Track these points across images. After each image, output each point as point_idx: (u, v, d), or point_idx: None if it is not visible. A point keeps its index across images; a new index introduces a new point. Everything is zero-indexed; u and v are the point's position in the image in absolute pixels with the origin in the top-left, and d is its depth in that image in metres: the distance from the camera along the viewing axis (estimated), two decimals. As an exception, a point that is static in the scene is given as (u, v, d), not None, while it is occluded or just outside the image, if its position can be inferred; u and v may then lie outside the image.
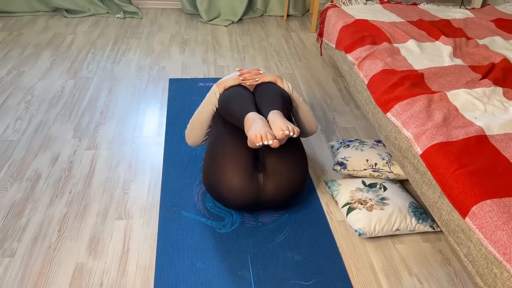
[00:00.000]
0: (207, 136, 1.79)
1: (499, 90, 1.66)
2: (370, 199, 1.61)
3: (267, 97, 1.63)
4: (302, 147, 1.64)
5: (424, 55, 1.94)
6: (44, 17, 3.39)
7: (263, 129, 1.40)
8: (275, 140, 1.39)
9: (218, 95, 1.68)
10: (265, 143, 1.38)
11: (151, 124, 2.15)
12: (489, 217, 1.09)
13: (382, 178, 1.75)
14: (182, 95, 2.40)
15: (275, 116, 1.47)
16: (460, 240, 1.20)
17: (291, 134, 1.41)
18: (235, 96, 1.63)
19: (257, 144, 1.39)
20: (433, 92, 1.62)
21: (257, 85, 1.73)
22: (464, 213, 1.17)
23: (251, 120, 1.48)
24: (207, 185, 1.57)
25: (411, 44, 2.02)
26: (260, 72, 1.74)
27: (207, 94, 1.72)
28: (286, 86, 1.73)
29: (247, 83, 1.73)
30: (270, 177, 1.52)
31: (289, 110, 1.63)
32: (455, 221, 1.21)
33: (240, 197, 1.51)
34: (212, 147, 1.59)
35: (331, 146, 1.99)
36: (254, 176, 1.51)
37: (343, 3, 2.57)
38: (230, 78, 1.72)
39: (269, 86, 1.69)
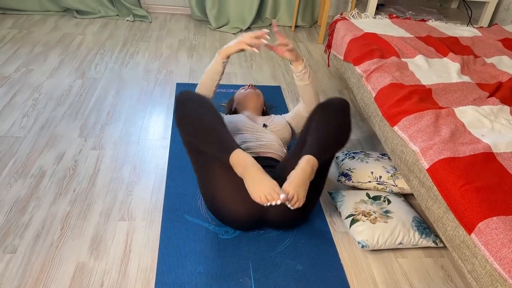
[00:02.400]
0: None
1: (507, 108, 1.66)
2: (374, 212, 1.61)
3: (322, 133, 1.46)
4: (323, 177, 1.55)
5: (432, 70, 1.95)
6: (54, 17, 3.41)
7: (266, 189, 1.31)
8: (282, 197, 1.30)
9: (221, 64, 1.64)
10: (273, 203, 1.31)
11: (157, 127, 2.16)
12: (495, 234, 1.09)
13: (386, 191, 1.75)
14: (189, 100, 2.40)
15: (299, 171, 1.35)
16: (464, 256, 1.20)
17: (289, 206, 1.33)
18: (202, 124, 1.43)
19: (264, 205, 1.33)
20: (441, 108, 1.63)
21: (323, 110, 1.53)
22: (470, 229, 1.17)
23: (243, 168, 1.35)
24: (210, 210, 1.56)
25: (419, 59, 2.03)
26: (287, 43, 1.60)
27: (211, 63, 1.68)
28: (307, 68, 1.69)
29: (248, 48, 1.58)
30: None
31: (331, 156, 1.51)
32: (460, 237, 1.21)
33: (243, 222, 1.50)
34: (205, 177, 1.50)
35: (336, 157, 1.99)
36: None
37: (352, 16, 2.59)
38: (232, 45, 1.61)
39: (336, 120, 1.49)
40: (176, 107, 1.49)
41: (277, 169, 1.54)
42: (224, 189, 1.45)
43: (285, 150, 1.75)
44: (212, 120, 1.44)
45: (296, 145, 1.57)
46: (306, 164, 1.38)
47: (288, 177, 1.37)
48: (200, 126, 1.42)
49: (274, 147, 1.70)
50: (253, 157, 1.62)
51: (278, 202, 1.30)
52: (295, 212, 1.49)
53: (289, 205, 1.34)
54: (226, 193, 1.45)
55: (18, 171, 1.78)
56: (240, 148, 1.41)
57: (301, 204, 1.35)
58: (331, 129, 1.47)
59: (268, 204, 1.31)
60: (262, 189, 1.31)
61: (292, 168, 1.41)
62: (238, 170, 1.37)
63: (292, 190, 1.33)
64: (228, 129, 1.74)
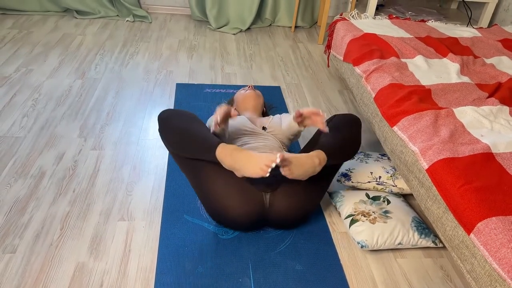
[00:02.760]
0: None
1: (506, 109, 1.67)
2: (373, 212, 1.61)
3: (335, 139, 1.51)
4: (328, 181, 1.58)
5: (431, 71, 1.95)
6: (54, 17, 3.41)
7: (261, 160, 1.31)
8: (278, 154, 1.30)
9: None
10: (273, 165, 1.30)
11: (157, 127, 2.15)
12: (494, 234, 1.10)
13: (386, 192, 1.75)
14: (189, 100, 2.41)
15: (306, 155, 1.40)
16: (463, 256, 1.20)
17: (281, 169, 1.34)
18: (186, 130, 1.46)
19: (267, 175, 1.31)
20: (440, 108, 1.63)
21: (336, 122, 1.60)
22: (469, 229, 1.17)
23: (230, 156, 1.36)
24: (212, 216, 1.55)
25: (419, 59, 2.03)
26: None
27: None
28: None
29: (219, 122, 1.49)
30: (276, 196, 1.47)
31: (337, 164, 1.55)
32: (459, 237, 1.21)
33: (244, 223, 1.51)
34: (202, 187, 1.49)
35: (336, 158, 1.99)
36: (257, 200, 1.46)
37: (352, 16, 2.59)
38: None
39: (349, 131, 1.55)
40: (159, 126, 1.54)
41: None
42: (222, 193, 1.45)
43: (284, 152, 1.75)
44: (191, 126, 1.47)
45: (306, 147, 1.63)
46: (316, 155, 1.42)
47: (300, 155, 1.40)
48: (182, 134, 1.45)
49: (275, 149, 1.70)
50: None
51: (278, 160, 1.29)
52: (297, 212, 1.50)
53: (281, 169, 1.34)
54: (225, 197, 1.45)
55: (18, 171, 1.78)
56: (223, 142, 1.43)
57: (288, 174, 1.34)
58: (344, 137, 1.53)
59: (269, 170, 1.30)
60: (257, 162, 1.32)
61: None
62: (227, 162, 1.38)
63: (291, 159, 1.34)
64: (229, 131, 1.74)
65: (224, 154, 1.39)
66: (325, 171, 1.52)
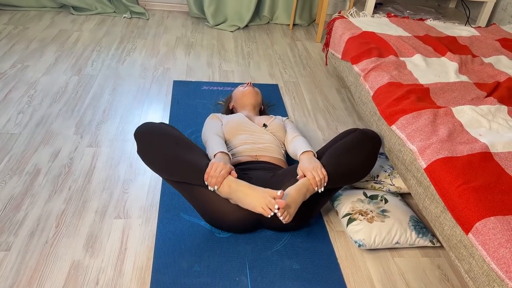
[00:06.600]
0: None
1: (504, 108, 1.66)
2: (371, 211, 1.60)
3: (345, 159, 1.49)
4: (330, 194, 1.57)
5: (430, 70, 1.94)
6: (51, 13, 3.39)
7: (261, 199, 1.33)
8: (277, 206, 1.32)
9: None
10: (275, 211, 1.32)
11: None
12: (493, 234, 1.09)
13: (383, 190, 1.74)
14: (186, 98, 2.39)
15: (294, 192, 1.39)
16: (461, 256, 1.19)
17: (278, 213, 1.33)
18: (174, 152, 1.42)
19: (269, 216, 1.34)
20: (439, 107, 1.63)
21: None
22: (467, 229, 1.16)
23: (228, 187, 1.36)
24: (209, 223, 1.54)
25: (417, 58, 2.02)
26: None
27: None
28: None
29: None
30: None
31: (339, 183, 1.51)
32: (457, 237, 1.21)
33: (239, 229, 1.52)
34: (197, 201, 1.48)
35: (333, 156, 1.98)
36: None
37: (351, 14, 2.58)
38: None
39: (364, 153, 1.52)
40: (138, 146, 1.47)
41: (285, 171, 1.54)
42: (217, 199, 1.45)
43: (282, 151, 1.74)
44: (176, 147, 1.43)
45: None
46: (303, 184, 1.42)
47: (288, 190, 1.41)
48: (167, 159, 1.41)
49: (273, 149, 1.69)
50: (251, 161, 1.61)
51: (278, 212, 1.33)
52: (296, 219, 1.50)
53: (281, 218, 1.36)
54: (220, 203, 1.45)
55: (13, 168, 1.76)
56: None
57: (288, 220, 1.37)
58: (351, 162, 1.50)
59: (272, 214, 1.33)
60: (257, 200, 1.34)
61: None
62: (222, 191, 1.39)
63: (289, 203, 1.37)
64: (227, 130, 1.73)
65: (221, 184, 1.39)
66: (328, 190, 1.52)
